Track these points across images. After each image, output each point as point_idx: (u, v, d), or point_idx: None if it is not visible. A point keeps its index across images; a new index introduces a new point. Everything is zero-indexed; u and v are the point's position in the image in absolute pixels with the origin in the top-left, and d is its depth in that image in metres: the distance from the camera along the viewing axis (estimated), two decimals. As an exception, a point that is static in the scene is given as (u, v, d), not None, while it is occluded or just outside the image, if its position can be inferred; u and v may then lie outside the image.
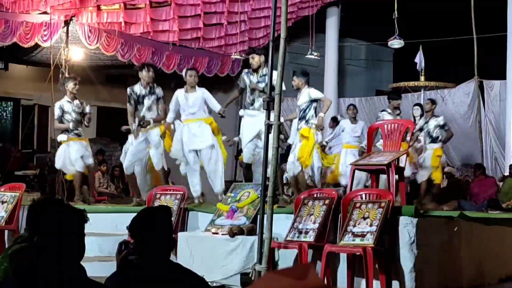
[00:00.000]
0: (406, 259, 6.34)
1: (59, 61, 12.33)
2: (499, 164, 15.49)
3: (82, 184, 10.09)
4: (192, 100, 8.93)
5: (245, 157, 8.83)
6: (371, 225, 6.26)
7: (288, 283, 1.47)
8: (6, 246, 8.25)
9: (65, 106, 9.71)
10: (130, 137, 9.24)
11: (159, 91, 9.23)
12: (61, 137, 9.73)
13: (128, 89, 9.24)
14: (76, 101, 9.78)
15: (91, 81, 15.56)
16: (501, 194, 12.25)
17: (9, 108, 16.79)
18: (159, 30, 14.23)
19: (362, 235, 6.24)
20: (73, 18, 12.62)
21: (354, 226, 6.36)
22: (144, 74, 9.13)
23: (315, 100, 8.64)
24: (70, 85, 9.80)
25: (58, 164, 9.88)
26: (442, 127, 10.63)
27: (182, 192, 8.31)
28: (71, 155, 9.65)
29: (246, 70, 9.03)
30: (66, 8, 12.34)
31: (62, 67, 12.22)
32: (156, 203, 8.04)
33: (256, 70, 8.74)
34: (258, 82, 8.65)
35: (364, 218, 6.35)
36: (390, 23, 11.71)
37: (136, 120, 9.13)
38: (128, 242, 3.09)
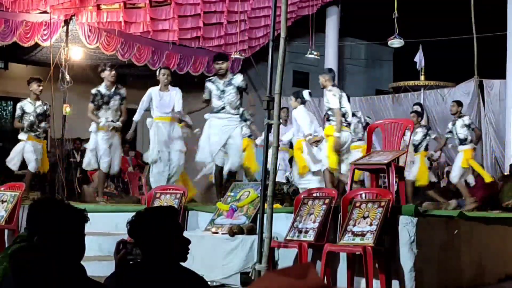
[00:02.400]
0: (406, 258, 6.34)
1: (59, 61, 12.33)
2: (499, 164, 15.48)
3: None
4: (168, 100, 9.09)
5: (219, 160, 8.80)
6: (371, 225, 6.26)
7: (288, 283, 1.47)
8: (6, 245, 8.26)
9: (26, 107, 9.85)
10: (93, 138, 9.43)
11: (123, 91, 9.42)
12: (21, 136, 9.88)
13: (94, 90, 9.43)
14: (38, 102, 9.92)
15: (91, 80, 15.53)
16: (501, 194, 12.23)
17: (9, 108, 16.80)
18: (159, 30, 14.24)
19: (362, 235, 6.24)
20: (73, 17, 12.62)
21: (354, 225, 6.36)
22: (106, 74, 9.26)
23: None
24: (34, 86, 9.93)
25: (11, 163, 10.02)
26: (468, 126, 10.58)
27: (182, 191, 8.31)
28: (26, 154, 9.79)
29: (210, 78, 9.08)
30: (66, 8, 12.34)
31: (62, 66, 12.21)
32: (156, 203, 8.04)
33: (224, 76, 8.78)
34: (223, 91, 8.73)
35: (364, 218, 6.35)
36: (390, 22, 11.70)
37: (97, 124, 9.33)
38: (126, 242, 3.08)
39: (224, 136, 8.68)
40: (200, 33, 15.10)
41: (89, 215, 2.79)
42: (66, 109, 11.88)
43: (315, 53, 15.58)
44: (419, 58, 16.56)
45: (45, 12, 12.17)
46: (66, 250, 2.56)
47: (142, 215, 3.01)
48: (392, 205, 6.41)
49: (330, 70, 9.25)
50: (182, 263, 3.04)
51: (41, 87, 10.01)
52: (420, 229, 6.40)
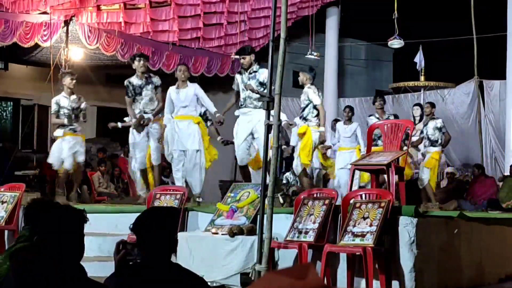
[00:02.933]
0: (406, 259, 6.34)
1: (59, 61, 12.34)
2: (499, 164, 15.50)
3: (82, 184, 10.05)
4: (184, 96, 8.99)
5: (239, 158, 8.67)
6: (371, 225, 6.26)
7: (288, 283, 1.47)
8: (6, 246, 8.27)
9: (62, 101, 9.77)
10: (132, 134, 9.31)
11: (156, 79, 9.32)
12: (58, 133, 9.78)
13: (126, 81, 9.31)
14: (73, 96, 9.84)
15: (91, 81, 15.56)
16: (501, 194, 12.25)
17: (9, 108, 16.80)
18: (159, 30, 14.23)
19: (362, 235, 6.24)
20: (73, 18, 12.62)
21: (354, 226, 6.36)
22: (136, 65, 9.21)
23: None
24: (67, 80, 9.85)
25: (51, 159, 9.90)
26: (440, 129, 10.64)
27: (182, 192, 8.30)
28: (64, 152, 9.69)
29: (238, 70, 9.01)
30: (66, 8, 12.34)
31: (62, 67, 12.22)
32: (156, 203, 8.04)
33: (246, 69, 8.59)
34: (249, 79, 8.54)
35: (364, 218, 6.35)
36: (390, 23, 11.73)
37: (133, 118, 9.18)
38: (126, 242, 3.09)
39: (247, 128, 8.44)
40: (200, 33, 15.10)
41: (89, 216, 2.80)
42: None
43: (315, 53, 15.58)
44: (419, 59, 16.57)
45: (45, 12, 12.17)
46: (65, 250, 2.57)
47: (146, 213, 3.02)
48: (392, 205, 6.42)
49: (312, 70, 9.13)
50: (182, 263, 3.04)
51: (74, 81, 9.87)
52: (420, 229, 6.40)
